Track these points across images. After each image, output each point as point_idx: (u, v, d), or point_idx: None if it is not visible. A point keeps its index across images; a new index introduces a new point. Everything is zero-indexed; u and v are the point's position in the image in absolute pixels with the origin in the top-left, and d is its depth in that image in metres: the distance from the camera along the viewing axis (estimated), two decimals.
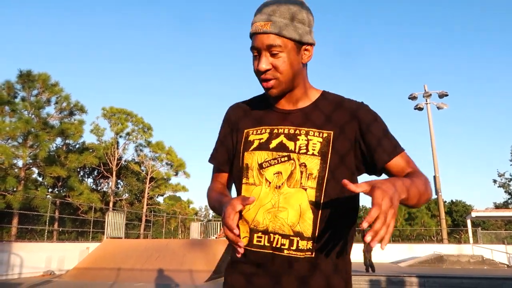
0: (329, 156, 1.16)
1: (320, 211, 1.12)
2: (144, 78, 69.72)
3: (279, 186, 1.14)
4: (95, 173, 29.53)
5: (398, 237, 33.12)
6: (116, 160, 26.87)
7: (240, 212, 1.12)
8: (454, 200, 48.00)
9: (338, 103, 1.24)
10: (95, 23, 63.88)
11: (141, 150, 28.64)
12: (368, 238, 0.86)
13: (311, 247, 1.11)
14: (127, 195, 31.72)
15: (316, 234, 1.12)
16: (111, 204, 25.74)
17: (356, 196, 1.19)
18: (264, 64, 1.13)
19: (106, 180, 29.48)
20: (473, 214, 24.64)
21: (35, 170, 22.99)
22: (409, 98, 27.04)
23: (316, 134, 1.18)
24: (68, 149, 23.21)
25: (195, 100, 77.06)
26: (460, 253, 20.15)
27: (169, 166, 29.62)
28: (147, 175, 28.53)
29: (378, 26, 73.27)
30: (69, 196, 22.61)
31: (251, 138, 1.23)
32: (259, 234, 1.14)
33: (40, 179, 24.64)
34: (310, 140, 1.17)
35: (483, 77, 69.75)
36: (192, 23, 75.88)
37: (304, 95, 1.24)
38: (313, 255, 1.11)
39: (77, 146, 24.54)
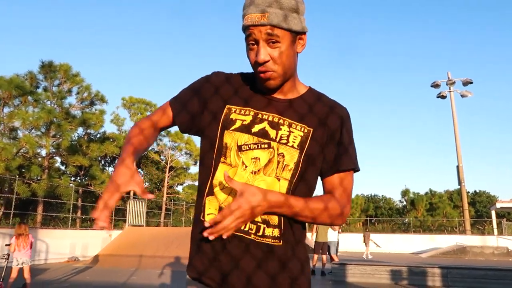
0: (305, 151, 1.17)
1: None
2: (163, 68, 70.23)
3: (255, 172, 1.15)
4: (116, 162, 30.04)
5: (419, 227, 32.71)
6: None
7: (213, 189, 1.17)
8: (477, 191, 46.98)
9: (320, 102, 1.26)
10: (115, 13, 64.43)
11: (160, 140, 28.87)
12: (205, 234, 1.04)
13: (278, 235, 1.14)
14: (147, 184, 32.20)
15: (282, 223, 1.14)
16: (131, 193, 26.16)
17: (313, 190, 1.25)
18: (263, 55, 1.11)
19: None
20: (498, 205, 24.02)
21: (58, 159, 23.55)
22: (431, 86, 26.40)
23: (298, 127, 1.19)
24: (90, 138, 23.59)
25: None
26: (484, 245, 19.75)
27: (188, 155, 29.88)
28: (167, 164, 28.85)
29: (398, 11, 71.43)
30: (91, 185, 23.08)
31: (233, 116, 1.20)
32: None
33: (63, 168, 25.24)
34: (292, 132, 1.18)
35: (510, 63, 67.41)
36: (213, 11, 75.74)
37: (293, 87, 1.24)
38: (280, 243, 1.14)
39: (98, 135, 24.93)
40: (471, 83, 25.64)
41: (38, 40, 56.39)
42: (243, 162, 1.15)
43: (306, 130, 1.19)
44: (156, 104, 28.01)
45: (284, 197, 1.09)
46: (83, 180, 24.64)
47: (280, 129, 1.18)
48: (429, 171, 69.72)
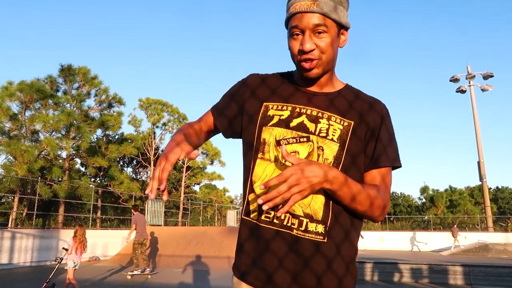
0: (347, 145, 1.15)
1: (329, 196, 1.12)
2: (179, 69, 70.78)
3: (283, 164, 1.14)
4: (134, 162, 30.41)
5: (439, 225, 32.16)
6: (153, 150, 27.52)
7: (252, 186, 1.16)
8: (500, 187, 45.90)
9: (359, 97, 1.24)
10: (132, 16, 65.25)
11: None
12: (259, 201, 0.95)
13: (322, 231, 1.11)
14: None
15: (328, 218, 1.11)
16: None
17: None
18: (308, 44, 1.10)
19: (145, 169, 30.31)
20: None
21: (78, 160, 24.01)
22: (450, 81, 25.87)
23: (338, 120, 1.17)
24: (108, 140, 23.98)
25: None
26: (507, 242, 19.27)
27: (205, 155, 30.07)
28: (184, 164, 29.09)
29: (415, 4, 70.32)
30: (110, 185, 23.46)
31: (270, 113, 1.20)
32: (269, 211, 1.13)
33: (83, 169, 25.71)
34: (331, 125, 1.16)
35: None
36: (232, 11, 75.94)
37: (330, 82, 1.23)
38: (325, 240, 1.11)
39: (117, 137, 25.32)
40: (492, 76, 25.03)
41: (56, 44, 57.57)
42: (278, 156, 1.15)
43: (346, 124, 1.17)
44: (173, 105, 28.31)
45: (344, 176, 1.05)
46: (103, 180, 25.06)
47: (319, 122, 1.16)
48: (448, 167, 68.54)
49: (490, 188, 41.79)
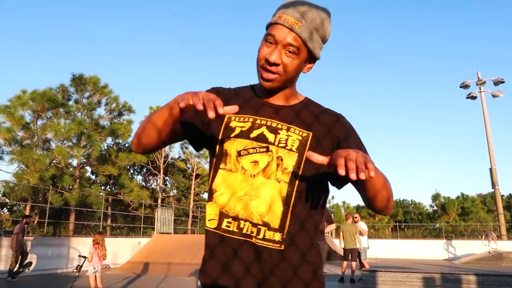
0: (305, 155, 1.17)
1: (290, 205, 1.15)
2: (189, 76, 71.36)
3: (254, 175, 1.16)
4: (144, 170, 30.59)
5: (452, 233, 31.68)
6: (163, 158, 27.66)
7: (212, 194, 1.19)
8: None
9: (320, 110, 1.28)
10: (141, 24, 66.10)
11: (186, 148, 29.22)
12: (341, 171, 0.89)
13: (280, 239, 1.13)
14: (174, 191, 32.64)
15: (285, 226, 1.14)
16: (159, 201, 26.58)
17: (324, 195, 1.23)
18: (275, 56, 1.14)
19: (155, 177, 30.45)
20: None
21: (89, 168, 24.21)
22: (460, 87, 25.67)
23: (297, 131, 1.21)
24: (118, 148, 24.17)
25: None
26: None
27: None
28: (193, 172, 29.17)
29: (424, 10, 70.11)
30: (120, 193, 23.59)
31: (232, 124, 1.23)
32: (229, 220, 1.15)
33: (93, 177, 25.91)
34: (290, 136, 1.20)
35: None
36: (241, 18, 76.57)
37: (291, 95, 1.27)
38: (281, 247, 1.13)
39: (127, 145, 25.51)
40: (503, 82, 24.78)
41: (67, 52, 58.46)
42: (242, 167, 1.17)
43: (304, 134, 1.21)
44: None
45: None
46: (113, 188, 25.22)
47: (279, 133, 1.20)
48: (460, 174, 67.69)
49: (503, 196, 41.09)
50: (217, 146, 1.22)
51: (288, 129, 1.21)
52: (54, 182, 19.43)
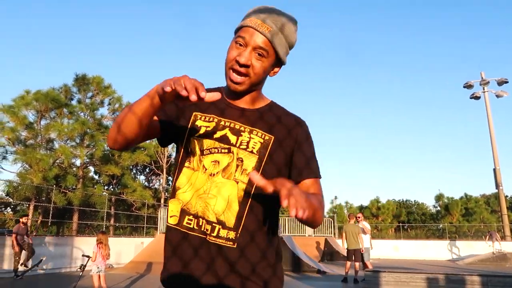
0: (266, 157, 1.22)
1: (247, 205, 1.18)
2: (192, 76, 71.33)
3: (214, 174, 1.19)
4: (147, 170, 30.63)
5: (455, 233, 31.57)
6: (166, 157, 27.68)
7: (175, 192, 1.23)
8: None
9: (283, 114, 1.31)
10: (144, 24, 66.24)
11: None
12: (292, 212, 0.90)
13: (233, 238, 1.16)
14: None
15: (240, 225, 1.17)
16: (162, 201, 26.59)
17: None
18: (244, 58, 1.16)
19: (157, 177, 30.46)
20: None
21: (92, 168, 24.28)
22: (464, 87, 25.58)
23: (259, 134, 1.24)
24: None
25: None
26: None
27: None
28: None
29: (426, 10, 69.88)
30: (123, 193, 23.64)
31: (198, 123, 1.26)
32: (190, 217, 1.19)
33: (96, 177, 25.99)
34: (252, 138, 1.23)
35: None
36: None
37: (256, 99, 1.30)
38: (235, 245, 1.16)
39: None
40: (507, 82, 24.66)
41: (69, 52, 58.64)
42: (203, 166, 1.21)
43: (267, 137, 1.24)
44: None
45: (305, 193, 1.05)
46: (116, 188, 25.27)
47: (241, 135, 1.23)
48: (463, 174, 67.41)
49: (507, 196, 40.85)
50: (183, 144, 1.26)
51: (250, 132, 1.24)
52: (57, 181, 19.49)
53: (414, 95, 66.13)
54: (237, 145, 1.22)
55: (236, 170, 1.19)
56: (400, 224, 33.37)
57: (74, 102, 21.31)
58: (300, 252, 13.55)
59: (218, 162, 1.20)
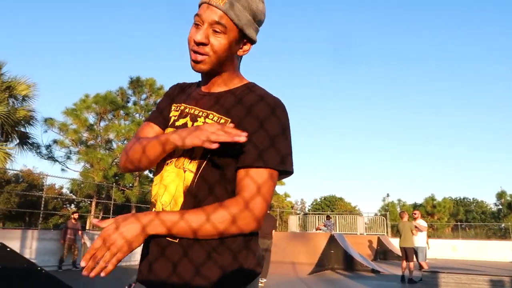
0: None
1: (191, 197, 1.08)
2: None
3: (167, 164, 1.14)
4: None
5: None
6: None
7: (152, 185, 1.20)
8: None
9: (251, 95, 1.15)
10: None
11: None
12: (84, 273, 0.92)
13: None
14: None
15: None
16: None
17: (228, 187, 1.10)
18: (200, 36, 1.09)
19: None
20: None
21: None
22: None
23: (215, 118, 1.13)
24: None
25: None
26: None
27: None
28: None
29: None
30: None
31: (170, 114, 1.24)
32: (154, 209, 1.14)
33: (151, 175, 27.12)
34: (207, 123, 1.11)
35: None
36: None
37: (226, 82, 1.20)
38: (177, 241, 1.05)
39: None
40: None
41: (125, 54, 61.45)
42: (167, 156, 1.15)
43: (223, 121, 1.12)
44: None
45: (141, 225, 0.98)
46: None
47: (197, 121, 1.15)
48: None
49: None
50: None
51: (206, 116, 1.15)
52: (116, 180, 20.60)
53: (474, 89, 62.55)
54: None
55: (185, 158, 1.11)
56: (458, 223, 31.81)
57: (129, 104, 22.39)
58: (353, 251, 13.35)
59: (174, 152, 1.13)
